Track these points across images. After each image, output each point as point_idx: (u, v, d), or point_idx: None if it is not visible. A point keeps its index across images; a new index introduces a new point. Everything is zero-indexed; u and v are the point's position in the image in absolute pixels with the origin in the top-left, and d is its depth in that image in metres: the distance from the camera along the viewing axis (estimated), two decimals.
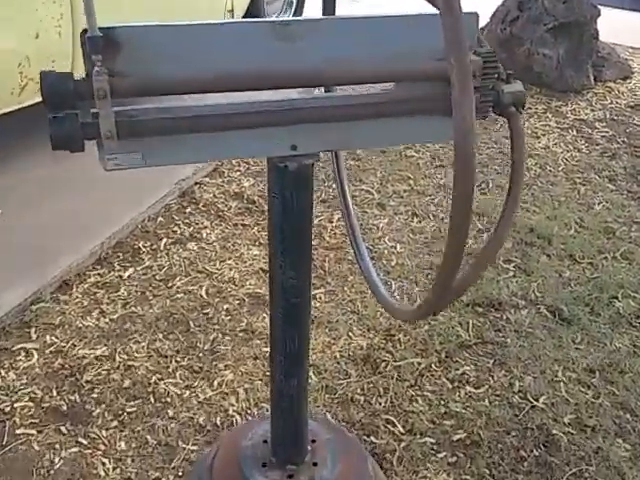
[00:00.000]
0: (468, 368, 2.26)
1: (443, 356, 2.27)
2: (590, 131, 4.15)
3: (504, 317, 2.45)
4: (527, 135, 4.09)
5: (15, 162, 3.39)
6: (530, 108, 4.47)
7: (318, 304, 2.56)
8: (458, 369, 2.25)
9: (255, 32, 1.03)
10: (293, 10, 5.43)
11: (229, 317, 2.47)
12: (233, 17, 4.48)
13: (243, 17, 4.65)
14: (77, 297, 2.55)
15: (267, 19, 1.04)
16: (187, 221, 3.08)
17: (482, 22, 5.22)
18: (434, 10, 1.18)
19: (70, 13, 2.98)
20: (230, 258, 2.80)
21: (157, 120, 1.02)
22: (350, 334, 2.41)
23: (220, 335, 2.38)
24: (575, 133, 4.16)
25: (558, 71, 4.65)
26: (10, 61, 2.83)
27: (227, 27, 1.03)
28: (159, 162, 1.07)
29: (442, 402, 2.13)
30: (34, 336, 2.35)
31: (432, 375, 2.21)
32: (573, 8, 4.61)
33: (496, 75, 1.19)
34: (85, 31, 0.94)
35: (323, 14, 1.44)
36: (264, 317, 2.47)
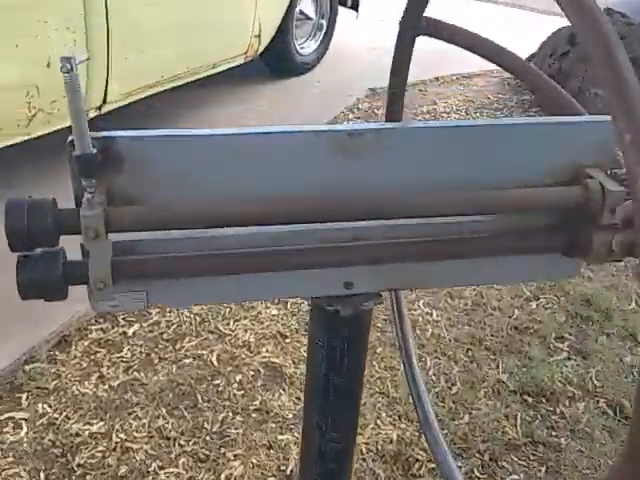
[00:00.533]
0: (517, 477, 1.94)
1: (487, 458, 1.97)
2: None
3: (557, 411, 2.14)
4: None
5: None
6: None
7: None
8: (505, 478, 1.94)
9: (310, 143, 0.76)
10: (323, 34, 5.16)
11: (242, 392, 2.19)
12: (260, 42, 4.22)
13: (270, 42, 4.38)
14: (76, 357, 2.29)
15: (328, 126, 0.72)
16: None
17: (529, 51, 4.92)
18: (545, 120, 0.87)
19: (85, 40, 2.75)
20: (246, 317, 2.52)
21: (167, 260, 0.75)
22: (378, 422, 2.12)
23: (231, 414, 2.11)
24: None
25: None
26: (16, 90, 2.61)
27: (270, 138, 0.76)
28: (170, 303, 0.81)
29: None
30: (25, 403, 2.09)
31: None
32: (631, 44, 4.29)
33: None
34: (72, 144, 0.68)
35: (387, 117, 1.16)
36: (280, 394, 2.19)
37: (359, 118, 4.36)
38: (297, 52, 4.90)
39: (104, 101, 3.14)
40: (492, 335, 2.46)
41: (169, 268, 0.77)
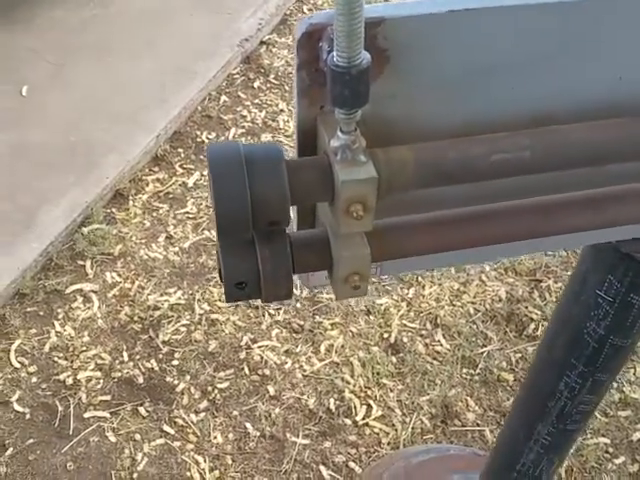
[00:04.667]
0: None
1: None
2: None
3: None
4: None
5: (36, 18, 2.66)
6: None
7: None
8: None
9: None
10: None
11: None
12: None
13: None
14: (136, 215, 2.03)
15: None
16: (257, 101, 2.44)
17: None
18: None
19: None
20: None
21: (434, 235, 0.43)
22: (483, 277, 1.91)
23: None
24: None
25: None
26: None
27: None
28: (398, 272, 0.56)
29: (615, 384, 1.68)
30: (90, 272, 1.88)
31: None
32: None
33: None
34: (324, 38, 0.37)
35: None
36: None
37: None
38: None
39: None
40: None
41: (447, 243, 0.45)
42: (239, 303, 1.82)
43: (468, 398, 1.65)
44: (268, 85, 2.50)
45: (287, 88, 2.49)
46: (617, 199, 0.47)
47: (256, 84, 2.50)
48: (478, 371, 1.70)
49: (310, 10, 2.86)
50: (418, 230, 0.43)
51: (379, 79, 0.40)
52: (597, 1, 0.41)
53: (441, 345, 1.74)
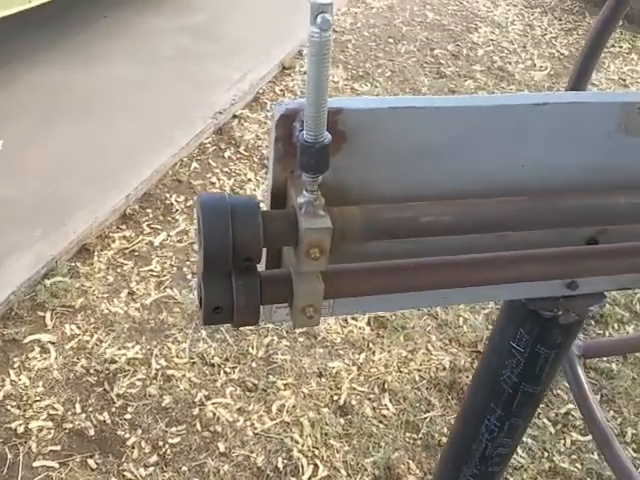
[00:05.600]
0: (572, 406, 1.89)
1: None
2: None
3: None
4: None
5: (18, 78, 2.78)
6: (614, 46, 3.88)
7: None
8: (561, 407, 1.89)
9: (584, 119, 0.54)
10: None
11: None
12: None
13: None
14: (100, 270, 2.09)
15: (615, 95, 0.48)
16: (226, 170, 2.57)
17: None
18: None
19: None
20: None
21: (381, 277, 0.54)
22: (429, 346, 2.01)
23: (276, 338, 1.97)
24: None
25: None
26: None
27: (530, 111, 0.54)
28: (351, 312, 0.65)
29: (546, 454, 1.78)
30: (50, 324, 1.91)
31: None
32: None
33: None
34: (297, 120, 0.50)
35: None
36: (326, 318, 2.05)
37: None
38: None
39: None
40: None
41: (383, 287, 0.56)
42: (196, 360, 1.88)
43: (410, 461, 1.71)
44: (238, 155, 2.64)
45: (256, 159, 2.64)
46: (515, 261, 0.59)
47: (226, 154, 2.64)
48: (420, 435, 1.77)
49: (281, 90, 3.06)
50: (362, 275, 0.54)
51: (338, 154, 0.52)
52: (501, 107, 0.54)
53: (387, 409, 1.82)
